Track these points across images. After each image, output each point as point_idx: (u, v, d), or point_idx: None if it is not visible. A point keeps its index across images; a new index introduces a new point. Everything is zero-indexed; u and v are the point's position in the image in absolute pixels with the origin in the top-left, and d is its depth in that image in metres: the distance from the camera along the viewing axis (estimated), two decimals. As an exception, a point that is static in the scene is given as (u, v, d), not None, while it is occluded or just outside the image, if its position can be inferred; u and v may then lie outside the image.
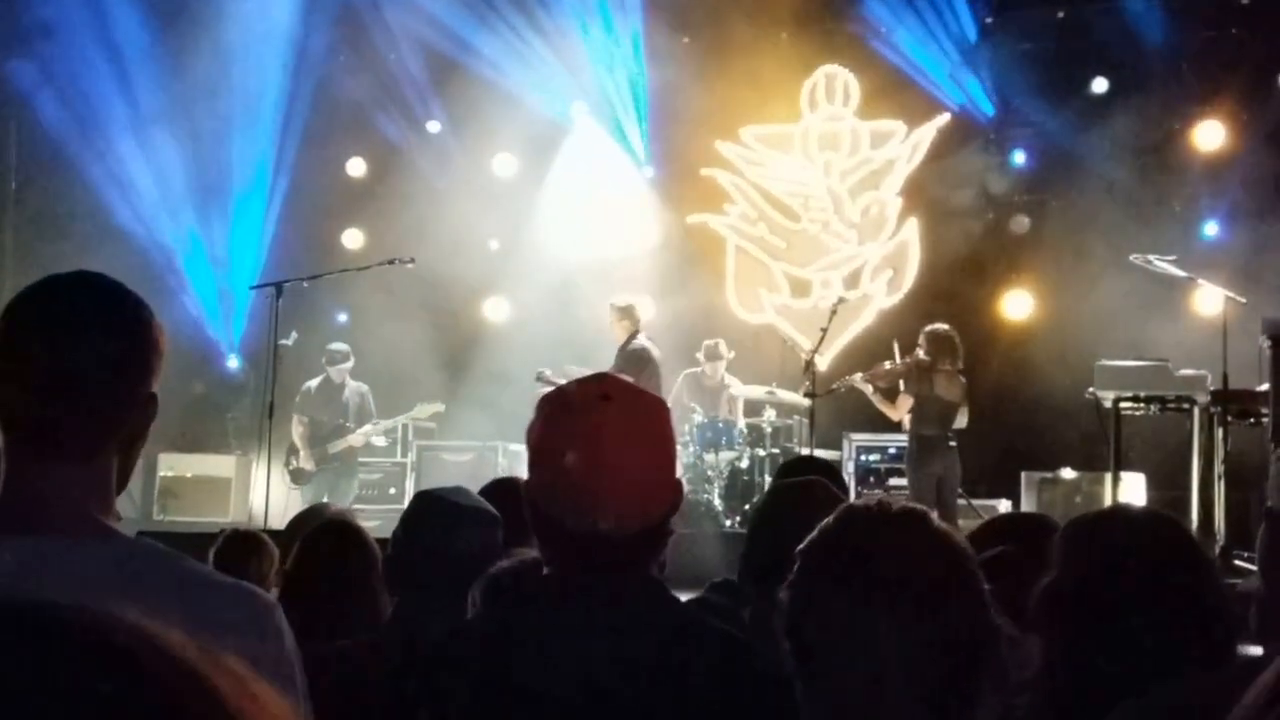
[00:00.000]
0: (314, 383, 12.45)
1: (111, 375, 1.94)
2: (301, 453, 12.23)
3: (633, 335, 11.66)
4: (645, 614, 2.25)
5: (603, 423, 2.20)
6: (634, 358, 11.44)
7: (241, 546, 4.67)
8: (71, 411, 1.93)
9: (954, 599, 1.90)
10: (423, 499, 3.55)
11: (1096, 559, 2.45)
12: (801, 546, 2.01)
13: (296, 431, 12.27)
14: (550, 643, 2.19)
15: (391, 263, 11.93)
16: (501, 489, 4.16)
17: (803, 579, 1.97)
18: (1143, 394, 9.83)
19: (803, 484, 3.95)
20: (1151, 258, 10.14)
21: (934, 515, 2.03)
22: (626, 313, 11.79)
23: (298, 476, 12.21)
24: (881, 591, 1.87)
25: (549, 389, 9.37)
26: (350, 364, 12.48)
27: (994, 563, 2.95)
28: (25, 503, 1.93)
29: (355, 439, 12.40)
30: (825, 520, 2.02)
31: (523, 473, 2.40)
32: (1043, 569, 3.08)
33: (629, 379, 8.99)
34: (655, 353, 11.62)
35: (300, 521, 5.12)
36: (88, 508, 1.94)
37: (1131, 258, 10.27)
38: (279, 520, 10.05)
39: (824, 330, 11.30)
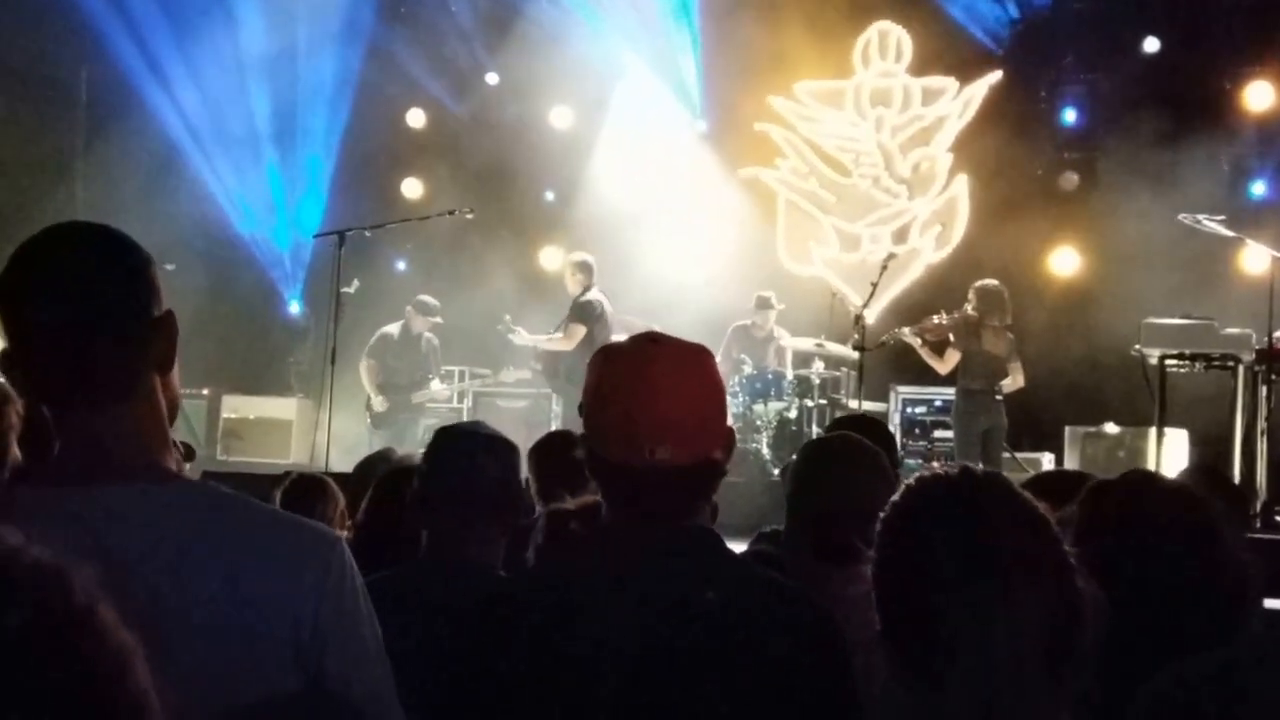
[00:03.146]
0: (393, 329, 12.58)
1: (123, 308, 1.96)
2: (374, 397, 12.38)
3: (586, 289, 11.90)
4: (703, 565, 2.29)
5: (652, 360, 2.30)
6: (585, 309, 11.72)
7: (307, 489, 4.74)
8: (99, 356, 1.94)
9: (1055, 566, 1.92)
10: (443, 433, 3.64)
11: (1112, 526, 2.44)
12: (886, 515, 2.02)
13: (368, 376, 12.39)
14: (610, 594, 2.23)
15: (452, 213, 12.16)
16: (554, 441, 4.31)
17: (894, 553, 1.98)
18: (1188, 352, 9.79)
19: (835, 439, 4.02)
20: (1200, 217, 10.09)
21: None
22: (581, 268, 12.02)
23: (379, 421, 12.40)
24: (988, 563, 1.88)
25: (515, 336, 9.58)
26: (439, 320, 12.63)
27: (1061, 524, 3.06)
28: (83, 452, 1.94)
29: (439, 392, 12.68)
30: (906, 489, 2.04)
31: (575, 422, 2.44)
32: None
33: (583, 329, 9.19)
34: (607, 306, 11.85)
35: (368, 466, 5.24)
36: (145, 449, 1.96)
37: (1180, 217, 10.20)
38: (339, 463, 10.32)
39: (874, 285, 11.38)
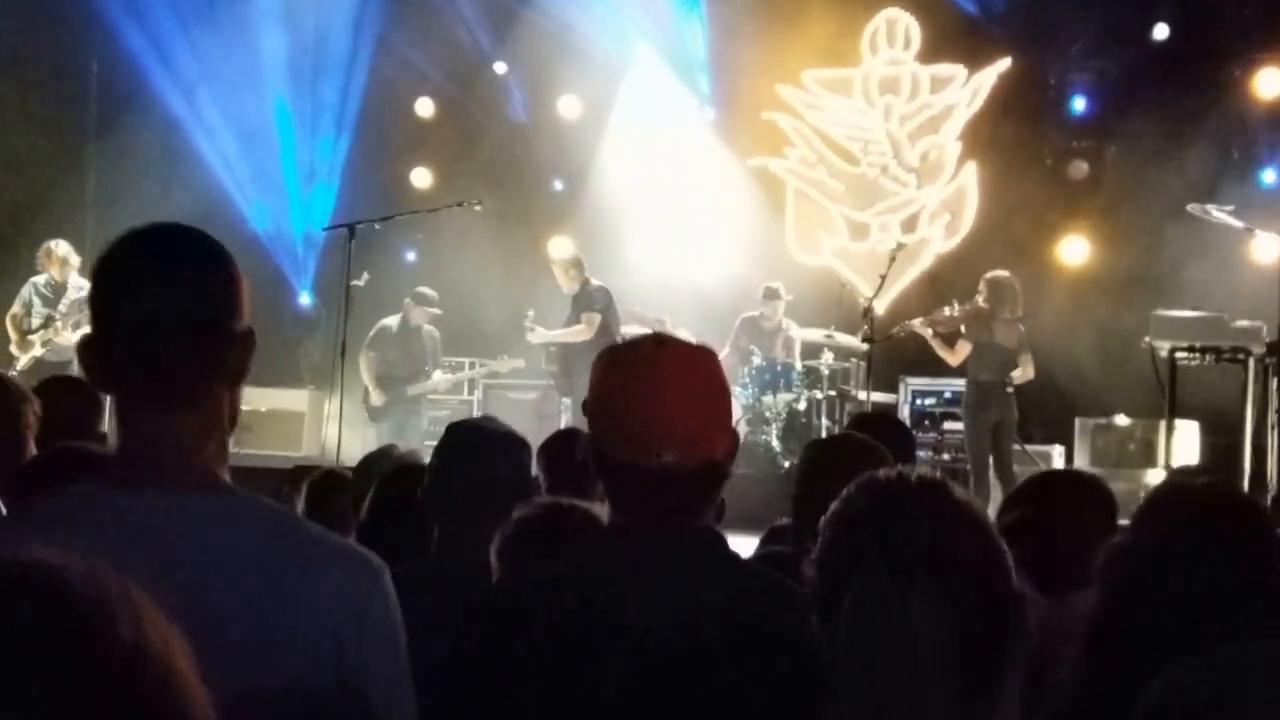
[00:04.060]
0: (392, 321, 12.54)
1: (204, 317, 1.94)
2: (371, 390, 12.37)
3: (584, 281, 11.94)
4: (708, 568, 2.30)
5: (659, 361, 2.29)
6: (594, 297, 11.76)
7: (333, 485, 4.82)
8: (173, 360, 1.93)
9: (980, 569, 1.93)
10: (454, 429, 3.65)
11: (1169, 521, 2.48)
12: (825, 518, 2.06)
13: (367, 369, 12.35)
14: (614, 596, 2.22)
15: (460, 204, 12.16)
16: (562, 440, 4.32)
17: (828, 555, 2.01)
18: (1198, 344, 9.75)
19: (838, 439, 4.02)
20: (1209, 208, 10.05)
21: (953, 484, 2.05)
22: (574, 264, 12.06)
23: (375, 414, 12.40)
24: (909, 566, 1.89)
25: (532, 335, 9.62)
26: (438, 311, 12.59)
27: (1014, 528, 3.02)
28: (143, 455, 1.95)
29: (439, 384, 12.69)
30: (847, 491, 2.06)
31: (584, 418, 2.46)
32: (1077, 526, 3.16)
33: (598, 316, 9.08)
34: (610, 293, 11.93)
35: (371, 462, 5.19)
36: (204, 459, 1.96)
37: (1189, 208, 10.18)
38: (350, 456, 10.34)
39: (883, 276, 11.39)
